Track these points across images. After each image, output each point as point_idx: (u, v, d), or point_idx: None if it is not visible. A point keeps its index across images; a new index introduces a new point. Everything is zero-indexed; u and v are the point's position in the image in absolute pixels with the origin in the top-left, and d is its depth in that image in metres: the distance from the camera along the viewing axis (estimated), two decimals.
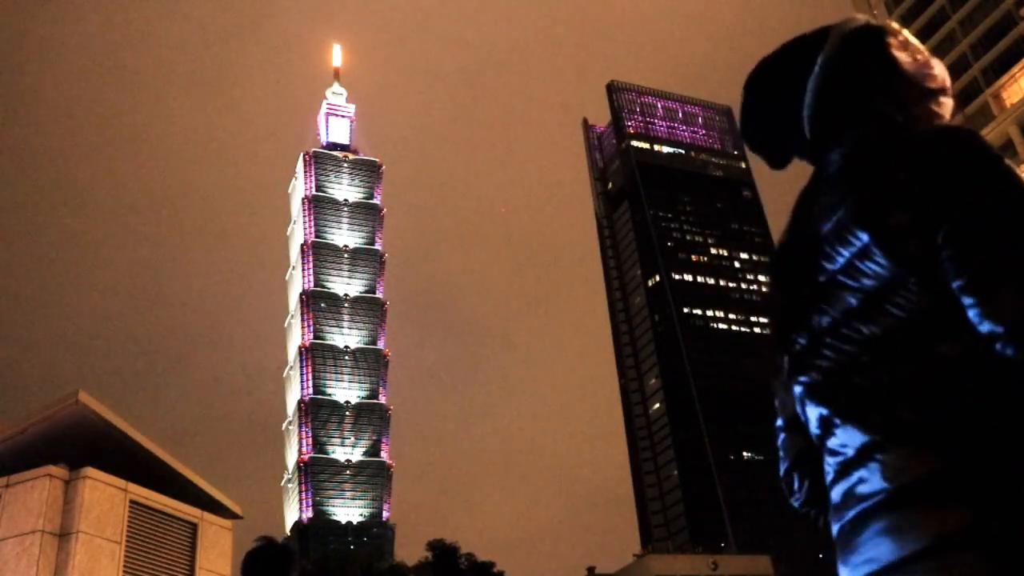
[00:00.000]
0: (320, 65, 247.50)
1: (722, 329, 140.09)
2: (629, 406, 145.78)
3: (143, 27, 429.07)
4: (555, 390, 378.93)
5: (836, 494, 1.53)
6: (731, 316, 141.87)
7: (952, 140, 1.46)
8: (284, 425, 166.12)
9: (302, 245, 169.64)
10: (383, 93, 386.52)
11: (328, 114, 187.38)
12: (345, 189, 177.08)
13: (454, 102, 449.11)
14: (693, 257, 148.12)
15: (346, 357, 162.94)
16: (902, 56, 1.64)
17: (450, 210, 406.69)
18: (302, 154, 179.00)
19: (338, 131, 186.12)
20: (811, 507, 1.78)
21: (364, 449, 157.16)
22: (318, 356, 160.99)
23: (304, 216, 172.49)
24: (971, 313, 1.34)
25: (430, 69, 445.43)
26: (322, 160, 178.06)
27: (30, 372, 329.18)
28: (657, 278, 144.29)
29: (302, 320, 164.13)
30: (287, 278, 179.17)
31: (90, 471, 13.14)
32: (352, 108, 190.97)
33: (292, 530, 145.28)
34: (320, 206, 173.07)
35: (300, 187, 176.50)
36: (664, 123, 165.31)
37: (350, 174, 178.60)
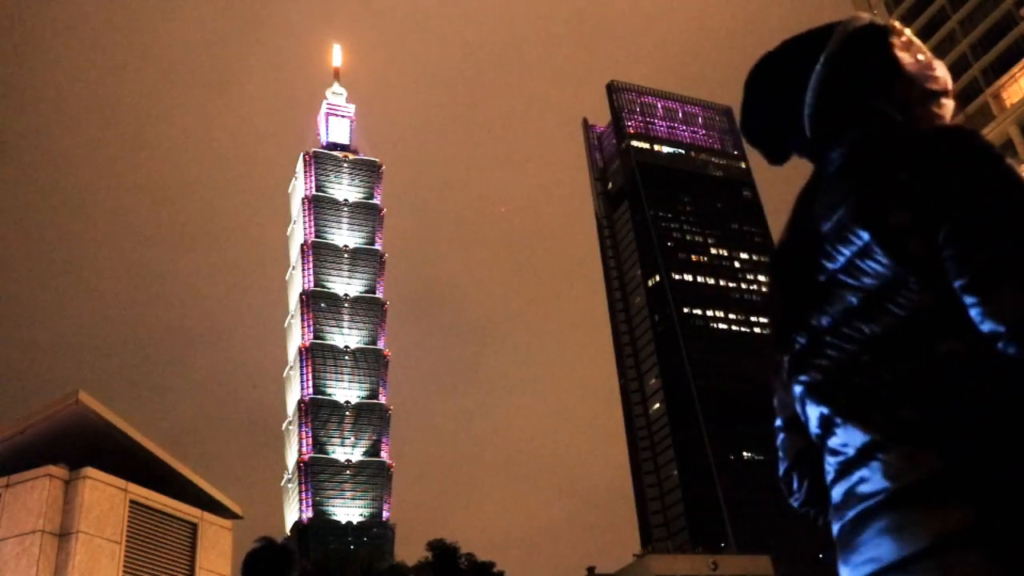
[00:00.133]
0: (320, 65, 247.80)
1: (722, 329, 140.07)
2: (629, 406, 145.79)
3: (143, 27, 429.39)
4: (555, 390, 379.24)
5: (837, 494, 1.53)
6: (731, 316, 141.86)
7: (953, 139, 1.46)
8: (284, 425, 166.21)
9: (302, 245, 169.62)
10: (383, 93, 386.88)
11: (328, 114, 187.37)
12: (345, 189, 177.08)
13: (454, 102, 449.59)
14: (693, 257, 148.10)
15: (346, 357, 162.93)
16: (905, 57, 1.64)
17: (450, 210, 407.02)
18: (302, 154, 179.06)
19: (338, 131, 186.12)
20: (810, 507, 1.78)
21: (364, 449, 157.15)
22: (318, 356, 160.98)
23: (304, 216, 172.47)
24: (973, 312, 1.34)
25: (430, 69, 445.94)
26: (322, 160, 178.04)
27: (30, 372, 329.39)
28: (657, 278, 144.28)
29: (302, 320, 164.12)
30: (287, 278, 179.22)
31: (90, 471, 13.14)
32: (352, 108, 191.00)
33: (292, 530, 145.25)
34: (320, 206, 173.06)
35: (300, 187, 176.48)
36: (664, 123, 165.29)
37: (350, 174, 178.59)
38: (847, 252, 1.50)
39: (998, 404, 1.34)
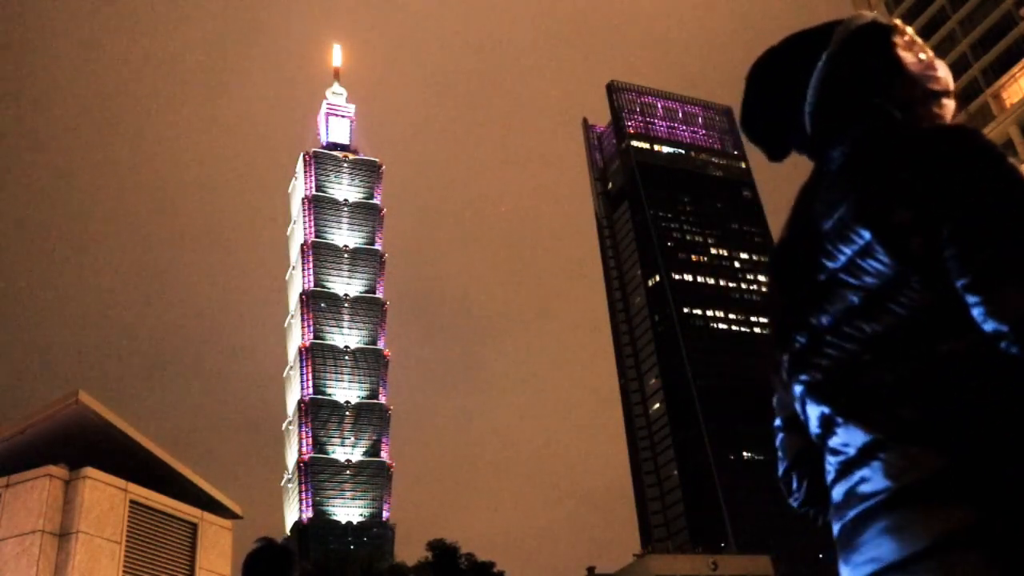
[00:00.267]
0: (320, 65, 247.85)
1: (722, 329, 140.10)
2: (629, 406, 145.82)
3: (144, 28, 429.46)
4: (555, 390, 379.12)
5: (837, 493, 1.52)
6: (731, 316, 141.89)
7: (955, 138, 1.46)
8: (284, 425, 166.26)
9: (302, 245, 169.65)
10: (383, 93, 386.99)
11: (328, 114, 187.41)
12: (345, 189, 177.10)
13: (454, 102, 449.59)
14: (693, 257, 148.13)
15: (346, 357, 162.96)
16: (907, 56, 1.64)
17: (450, 210, 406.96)
18: (302, 154, 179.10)
19: (338, 131, 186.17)
20: (810, 507, 1.77)
21: (364, 449, 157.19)
22: (318, 356, 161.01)
23: (304, 216, 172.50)
24: (975, 312, 1.34)
25: (430, 69, 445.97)
26: (322, 160, 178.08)
27: (30, 372, 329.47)
28: (657, 278, 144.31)
29: (302, 320, 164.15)
30: (287, 278, 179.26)
31: (90, 471, 13.13)
32: (352, 108, 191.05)
33: (292, 530, 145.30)
34: (320, 206, 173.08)
35: (300, 187, 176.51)
36: (664, 123, 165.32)
37: (350, 174, 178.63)
38: (848, 251, 1.49)
39: (999, 404, 1.34)
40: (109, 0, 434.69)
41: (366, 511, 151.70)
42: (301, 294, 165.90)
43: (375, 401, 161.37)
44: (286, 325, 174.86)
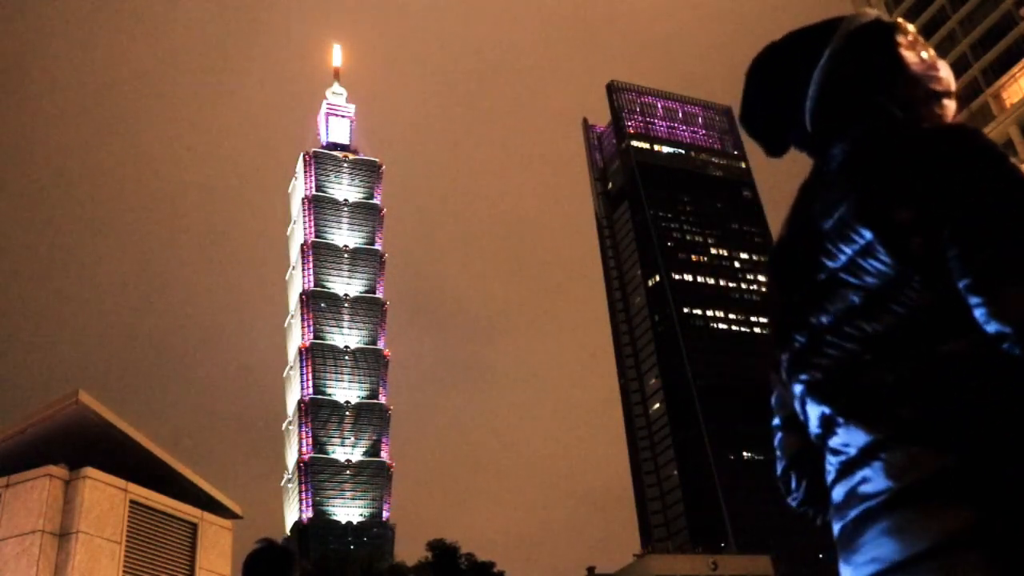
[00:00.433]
0: (320, 65, 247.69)
1: (722, 329, 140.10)
2: (629, 406, 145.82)
3: (144, 28, 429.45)
4: (555, 390, 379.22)
5: (838, 494, 1.52)
6: (731, 316, 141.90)
7: (955, 138, 1.46)
8: (284, 425, 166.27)
9: (302, 245, 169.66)
10: (383, 93, 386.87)
11: (328, 114, 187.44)
12: (345, 189, 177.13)
13: (454, 102, 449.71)
14: (693, 257, 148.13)
15: (346, 357, 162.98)
16: (909, 55, 1.63)
17: (450, 210, 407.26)
18: (302, 154, 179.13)
19: (338, 131, 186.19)
20: (808, 506, 1.77)
21: (364, 449, 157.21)
22: (318, 356, 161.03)
23: (304, 216, 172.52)
24: (977, 313, 1.33)
25: (430, 69, 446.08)
26: (322, 160, 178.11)
27: (30, 372, 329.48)
28: (657, 278, 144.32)
29: (302, 320, 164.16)
30: (287, 278, 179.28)
31: (90, 471, 13.13)
32: (352, 108, 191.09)
33: (292, 530, 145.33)
34: (320, 206, 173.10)
35: (300, 187, 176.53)
36: (664, 123, 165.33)
37: (350, 174, 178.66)
38: (849, 250, 1.49)
39: (1000, 404, 1.34)
40: (109, 2, 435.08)
41: (366, 511, 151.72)
42: (301, 294, 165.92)
43: (375, 401, 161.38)
44: (286, 325, 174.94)
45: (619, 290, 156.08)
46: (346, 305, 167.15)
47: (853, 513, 1.46)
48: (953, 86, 1.67)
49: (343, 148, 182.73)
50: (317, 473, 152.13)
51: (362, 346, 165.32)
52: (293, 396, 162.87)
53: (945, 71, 1.66)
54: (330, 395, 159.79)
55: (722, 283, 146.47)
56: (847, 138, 1.61)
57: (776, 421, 1.80)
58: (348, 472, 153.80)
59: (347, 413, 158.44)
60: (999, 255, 1.31)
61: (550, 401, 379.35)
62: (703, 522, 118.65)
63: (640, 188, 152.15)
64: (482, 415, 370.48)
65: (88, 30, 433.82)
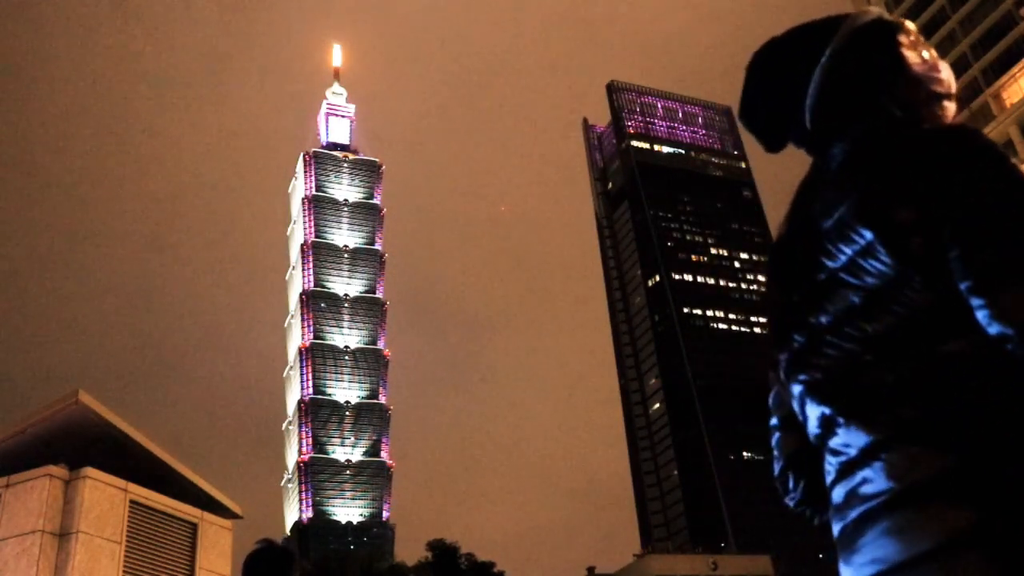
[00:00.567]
0: (320, 65, 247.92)
1: (722, 329, 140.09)
2: (629, 406, 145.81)
3: (144, 27, 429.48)
4: (555, 390, 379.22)
5: (838, 494, 1.51)
6: (731, 316, 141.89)
7: (956, 138, 1.45)
8: (284, 425, 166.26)
9: (302, 245, 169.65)
10: (383, 93, 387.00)
11: (328, 114, 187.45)
12: (345, 189, 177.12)
13: (454, 102, 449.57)
14: (693, 257, 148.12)
15: (346, 357, 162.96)
16: (911, 56, 1.62)
17: (450, 210, 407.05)
18: (302, 154, 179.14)
19: (338, 131, 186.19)
20: (806, 506, 1.76)
21: (364, 449, 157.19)
22: (318, 356, 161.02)
23: (304, 216, 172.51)
24: (979, 315, 1.33)
25: (430, 69, 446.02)
26: (322, 160, 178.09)
27: (30, 372, 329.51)
28: (657, 278, 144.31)
29: (302, 320, 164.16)
30: (287, 278, 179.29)
31: (90, 471, 13.14)
32: (352, 108, 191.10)
33: (292, 530, 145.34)
34: (320, 206, 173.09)
35: (300, 187, 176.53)
36: (664, 123, 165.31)
37: (350, 174, 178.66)
38: (849, 251, 1.48)
39: (1000, 404, 1.34)
40: (108, 2, 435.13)
41: (366, 511, 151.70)
42: (301, 294, 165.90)
43: (375, 401, 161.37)
44: (286, 325, 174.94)
45: (619, 290, 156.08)
46: (346, 305, 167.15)
47: (853, 514, 1.46)
48: (954, 88, 1.66)
49: (343, 148, 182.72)
50: (317, 473, 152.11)
51: (362, 346, 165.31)
52: (293, 396, 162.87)
53: (946, 72, 1.65)
54: (330, 395, 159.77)
55: (722, 283, 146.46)
56: (847, 137, 1.60)
57: (774, 421, 1.80)
58: (348, 472, 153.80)
59: (347, 413, 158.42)
60: (1000, 256, 1.31)
61: (550, 401, 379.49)
62: (703, 522, 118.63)
63: (640, 188, 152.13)
64: (482, 415, 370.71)
65: (87, 30, 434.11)
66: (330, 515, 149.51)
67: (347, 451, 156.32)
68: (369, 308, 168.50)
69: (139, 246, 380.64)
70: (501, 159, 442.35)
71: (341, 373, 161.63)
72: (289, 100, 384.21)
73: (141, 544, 13.67)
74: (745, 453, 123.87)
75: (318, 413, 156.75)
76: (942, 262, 1.37)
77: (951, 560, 1.28)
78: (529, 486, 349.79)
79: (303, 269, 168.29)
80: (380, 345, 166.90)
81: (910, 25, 1.67)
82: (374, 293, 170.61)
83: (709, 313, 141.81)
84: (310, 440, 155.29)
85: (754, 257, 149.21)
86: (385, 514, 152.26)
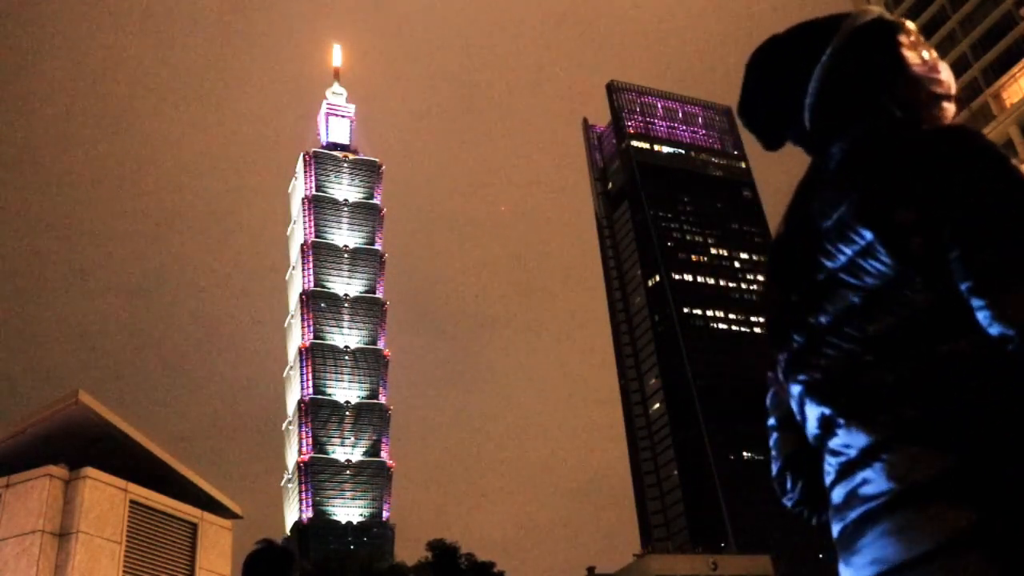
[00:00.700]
0: (320, 65, 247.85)
1: (722, 329, 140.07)
2: (629, 406, 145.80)
3: (144, 27, 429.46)
4: (555, 390, 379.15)
5: (838, 495, 1.51)
6: (731, 316, 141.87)
7: (955, 139, 1.45)
8: (284, 425, 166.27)
9: (302, 245, 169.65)
10: (383, 93, 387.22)
11: (328, 114, 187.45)
12: (345, 189, 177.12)
13: (454, 102, 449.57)
14: (693, 257, 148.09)
15: (346, 357, 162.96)
16: (911, 56, 1.62)
17: (450, 210, 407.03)
18: (302, 154, 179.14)
19: (338, 131, 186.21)
20: (804, 507, 1.76)
21: (364, 449, 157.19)
22: (318, 356, 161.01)
23: (304, 216, 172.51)
24: (980, 315, 1.33)
25: (430, 69, 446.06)
26: (322, 160, 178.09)
27: (30, 372, 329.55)
28: (657, 278, 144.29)
29: (302, 320, 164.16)
30: (287, 278, 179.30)
31: (90, 471, 13.14)
32: (352, 108, 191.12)
33: (292, 530, 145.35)
34: (320, 206, 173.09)
35: (300, 187, 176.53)
36: (664, 123, 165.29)
37: (350, 174, 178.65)
38: (848, 251, 1.48)
39: (1000, 404, 1.34)
40: (108, 2, 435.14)
41: (366, 511, 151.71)
42: (301, 294, 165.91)
43: (375, 401, 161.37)
44: (286, 325, 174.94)
45: (619, 290, 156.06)
46: (346, 305, 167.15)
47: (853, 514, 1.45)
48: (953, 89, 1.66)
49: (343, 148, 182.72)
50: (317, 473, 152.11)
51: (362, 346, 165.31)
52: (293, 396, 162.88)
53: (946, 73, 1.65)
54: (330, 395, 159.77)
55: (722, 283, 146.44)
56: (846, 137, 1.60)
57: (772, 421, 1.80)
58: (348, 472, 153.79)
59: (347, 413, 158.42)
60: (1000, 256, 1.31)
61: (550, 401, 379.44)
62: (703, 522, 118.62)
63: (640, 188, 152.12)
64: (482, 415, 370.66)
65: (86, 30, 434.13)
66: (330, 515, 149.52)
67: (347, 451, 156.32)
68: (369, 308, 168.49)
69: (139, 246, 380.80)
70: (501, 159, 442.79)
71: (341, 373, 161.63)
72: (289, 100, 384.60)
73: (141, 544, 13.67)
74: (745, 453, 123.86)
75: (318, 413, 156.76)
76: (942, 262, 1.37)
77: (952, 561, 1.28)
78: (529, 486, 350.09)
79: (303, 269, 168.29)
80: (380, 345, 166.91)
81: (910, 25, 1.66)
82: (374, 293, 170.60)
83: (709, 313, 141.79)
84: (310, 440, 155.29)
85: (754, 257, 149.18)
86: (385, 514, 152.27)
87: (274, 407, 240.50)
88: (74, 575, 12.26)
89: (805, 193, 1.66)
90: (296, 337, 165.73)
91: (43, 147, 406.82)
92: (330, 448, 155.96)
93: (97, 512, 12.98)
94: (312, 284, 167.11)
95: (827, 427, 1.53)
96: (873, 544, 1.40)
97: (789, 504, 1.79)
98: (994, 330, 1.32)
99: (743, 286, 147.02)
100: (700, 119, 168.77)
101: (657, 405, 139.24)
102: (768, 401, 1.81)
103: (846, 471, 1.49)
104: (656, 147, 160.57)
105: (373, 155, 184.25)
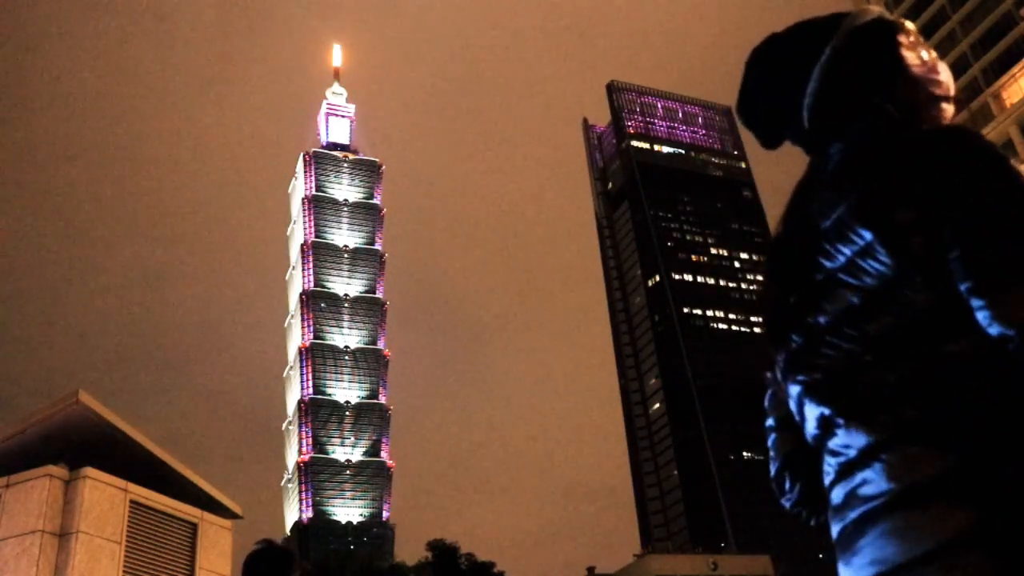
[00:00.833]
0: (320, 65, 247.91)
1: (722, 329, 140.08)
2: (629, 406, 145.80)
3: (143, 27, 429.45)
4: (555, 390, 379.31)
5: (837, 495, 1.51)
6: (731, 316, 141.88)
7: (955, 139, 1.45)
8: (284, 425, 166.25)
9: (302, 245, 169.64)
10: (383, 93, 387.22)
11: (328, 114, 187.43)
12: (345, 189, 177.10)
13: (454, 102, 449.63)
14: (693, 257, 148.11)
15: (346, 357, 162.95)
16: (911, 56, 1.62)
17: (450, 210, 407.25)
18: (302, 154, 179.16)
19: (338, 131, 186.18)
20: (802, 507, 1.76)
21: (364, 449, 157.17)
22: (318, 356, 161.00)
23: (304, 216, 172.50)
24: (980, 316, 1.33)
25: (430, 69, 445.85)
26: (322, 160, 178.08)
27: (30, 372, 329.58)
28: (657, 278, 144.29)
29: (302, 320, 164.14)
30: (287, 278, 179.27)
31: (90, 471, 13.14)
32: (352, 108, 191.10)
33: (292, 530, 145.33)
34: (320, 206, 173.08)
35: (300, 187, 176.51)
36: (664, 123, 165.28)
37: (350, 174, 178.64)
38: (848, 251, 1.48)
39: (1000, 404, 1.34)
40: (108, 3, 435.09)
41: (366, 511, 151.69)
42: (301, 294, 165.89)
43: (375, 401, 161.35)
44: (286, 325, 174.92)
45: (619, 290, 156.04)
46: (346, 305, 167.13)
47: (853, 515, 1.45)
48: (952, 90, 1.66)
49: (343, 148, 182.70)
50: (317, 473, 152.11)
51: (362, 346, 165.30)
52: (293, 396, 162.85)
53: (945, 74, 1.65)
54: (330, 395, 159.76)
55: (722, 283, 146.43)
56: (845, 137, 1.60)
57: (770, 422, 1.79)
58: (348, 472, 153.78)
59: (347, 413, 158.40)
60: (1000, 256, 1.31)
61: (550, 401, 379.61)
62: (703, 522, 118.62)
63: (640, 188, 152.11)
64: (482, 415, 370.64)
65: (86, 30, 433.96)
66: (330, 515, 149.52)
67: (347, 451, 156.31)
68: (369, 308, 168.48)
69: (139, 246, 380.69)
70: (501, 159, 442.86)
71: (341, 373, 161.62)
72: (289, 100, 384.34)
73: (141, 544, 13.66)
74: (745, 453, 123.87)
75: (318, 413, 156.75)
76: (942, 262, 1.37)
77: (952, 561, 1.28)
78: (529, 486, 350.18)
79: (303, 269, 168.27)
80: (380, 345, 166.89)
81: (910, 25, 1.66)
82: (374, 293, 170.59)
83: (709, 313, 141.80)
84: (310, 440, 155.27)
85: (754, 257, 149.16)
86: (385, 514, 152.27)
87: (274, 407, 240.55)
88: (74, 575, 12.26)
89: (804, 193, 1.65)
90: (296, 337, 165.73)
91: (43, 148, 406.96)
92: (330, 448, 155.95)
93: (97, 512, 12.98)
94: (312, 284, 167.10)
95: (826, 427, 1.53)
96: (873, 544, 1.39)
97: (788, 505, 1.78)
98: (994, 330, 1.32)
99: (743, 286, 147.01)
100: (700, 119, 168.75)
101: (657, 405, 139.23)
102: (767, 401, 1.80)
103: (846, 471, 1.48)
104: (656, 147, 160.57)
105: (373, 155, 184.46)
